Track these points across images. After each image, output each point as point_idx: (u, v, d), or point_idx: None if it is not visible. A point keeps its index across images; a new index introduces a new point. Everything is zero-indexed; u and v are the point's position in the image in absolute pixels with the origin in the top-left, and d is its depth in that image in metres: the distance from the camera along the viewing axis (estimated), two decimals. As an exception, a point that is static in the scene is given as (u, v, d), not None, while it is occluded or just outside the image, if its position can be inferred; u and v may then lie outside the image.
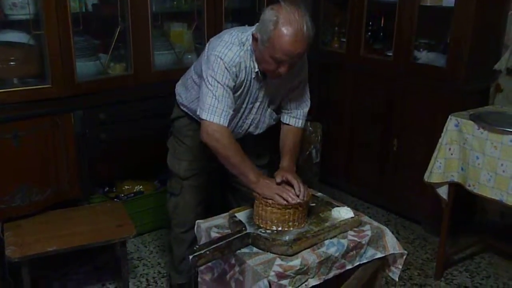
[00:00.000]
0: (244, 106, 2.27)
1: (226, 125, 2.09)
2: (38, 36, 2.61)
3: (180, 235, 2.55)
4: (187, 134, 2.48)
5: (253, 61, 2.13)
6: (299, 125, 2.39)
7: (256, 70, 2.14)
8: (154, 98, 3.01)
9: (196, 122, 2.31)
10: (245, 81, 2.17)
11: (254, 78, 2.18)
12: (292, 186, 2.05)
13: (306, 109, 2.41)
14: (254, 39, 2.06)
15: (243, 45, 2.12)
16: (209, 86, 2.08)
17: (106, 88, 2.89)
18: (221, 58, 2.08)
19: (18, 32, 2.63)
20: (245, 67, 2.13)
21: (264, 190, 2.02)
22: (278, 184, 2.06)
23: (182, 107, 2.48)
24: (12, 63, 2.66)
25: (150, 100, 3.01)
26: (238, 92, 2.18)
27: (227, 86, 2.09)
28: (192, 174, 2.48)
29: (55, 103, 2.66)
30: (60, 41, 2.61)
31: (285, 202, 1.97)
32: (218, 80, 2.07)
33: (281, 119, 2.40)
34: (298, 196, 2.00)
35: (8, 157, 2.52)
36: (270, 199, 1.98)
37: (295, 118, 2.38)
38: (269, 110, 2.37)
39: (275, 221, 1.99)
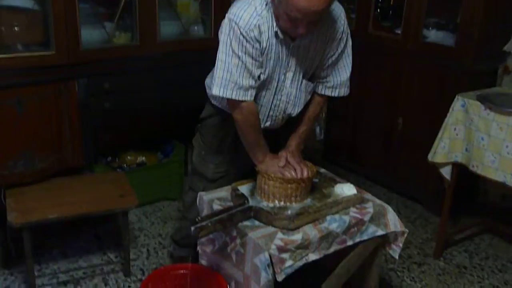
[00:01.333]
0: (276, 77, 2.05)
1: (249, 99, 1.96)
2: (42, 1, 2.58)
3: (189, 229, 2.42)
4: (217, 134, 2.31)
5: (274, 21, 1.91)
6: (336, 94, 2.19)
7: (275, 29, 1.91)
8: (159, 68, 2.99)
9: (227, 121, 2.17)
10: (269, 45, 1.93)
11: (278, 41, 1.94)
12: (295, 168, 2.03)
13: (345, 77, 2.17)
14: None
15: (263, 3, 1.90)
16: (222, 55, 1.92)
17: (110, 57, 2.86)
18: (235, 22, 1.87)
19: (23, -4, 2.60)
20: (268, 28, 1.90)
21: (268, 167, 2.02)
22: (282, 167, 2.03)
23: (213, 101, 2.27)
24: (16, 28, 2.62)
25: (155, 71, 2.99)
26: (266, 60, 1.97)
27: (245, 54, 1.89)
28: (220, 177, 2.34)
29: (59, 71, 2.63)
30: (65, 7, 2.58)
31: (289, 175, 1.96)
32: (233, 48, 1.89)
33: (316, 90, 2.19)
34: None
35: (11, 123, 2.51)
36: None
37: (331, 88, 2.17)
38: (304, 81, 2.12)
39: (278, 195, 1.99)
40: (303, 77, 2.11)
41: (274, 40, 1.94)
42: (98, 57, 2.80)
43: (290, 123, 2.23)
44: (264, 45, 1.93)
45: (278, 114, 2.17)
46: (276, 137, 2.24)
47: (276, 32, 1.92)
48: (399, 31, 3.46)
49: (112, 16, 2.93)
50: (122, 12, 2.92)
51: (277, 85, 2.08)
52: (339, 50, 2.10)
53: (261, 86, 2.04)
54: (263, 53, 1.95)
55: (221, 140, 2.31)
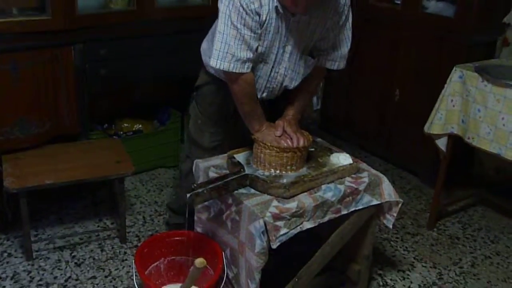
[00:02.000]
0: (274, 51, 2.03)
1: (247, 71, 1.95)
2: (38, -36, 2.54)
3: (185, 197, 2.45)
4: (212, 102, 2.29)
5: None
6: (336, 67, 2.19)
7: (276, 4, 1.89)
8: (157, 35, 2.97)
9: (223, 89, 2.17)
10: (269, 18, 1.92)
11: (278, 16, 1.93)
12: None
13: (345, 50, 2.16)
14: None
15: None
16: (221, 26, 1.90)
17: (107, 22, 2.82)
18: None
19: (18, -41, 2.56)
20: (269, 2, 1.89)
21: (264, 136, 2.02)
22: (278, 136, 2.04)
23: (209, 69, 2.24)
24: (11, -8, 2.59)
25: (152, 37, 2.96)
26: (265, 33, 1.95)
27: (244, 26, 1.88)
28: (216, 145, 2.34)
29: (55, 36, 2.60)
30: (62, -29, 2.54)
31: (285, 144, 1.97)
32: (232, 20, 1.87)
33: (316, 62, 2.17)
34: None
35: (6, 89, 2.50)
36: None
37: (331, 60, 2.17)
38: (304, 56, 2.11)
39: (273, 164, 1.99)
40: (302, 52, 2.09)
41: (274, 14, 1.92)
42: (95, 23, 2.77)
43: (288, 93, 2.22)
44: (264, 18, 1.91)
45: (276, 86, 2.15)
46: (273, 106, 2.24)
47: (276, 7, 1.90)
48: (398, 1, 3.43)
49: (109, -20, 2.89)
50: (120, -24, 2.88)
51: (275, 58, 2.06)
52: (340, 24, 2.08)
53: (259, 59, 2.03)
54: (262, 26, 1.93)
55: (217, 109, 2.30)
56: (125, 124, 3.26)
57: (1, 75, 2.47)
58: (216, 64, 1.93)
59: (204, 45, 2.28)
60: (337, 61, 2.18)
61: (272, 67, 2.08)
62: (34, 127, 2.61)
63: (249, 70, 1.96)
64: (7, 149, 2.57)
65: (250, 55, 1.93)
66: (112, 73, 2.87)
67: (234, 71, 1.93)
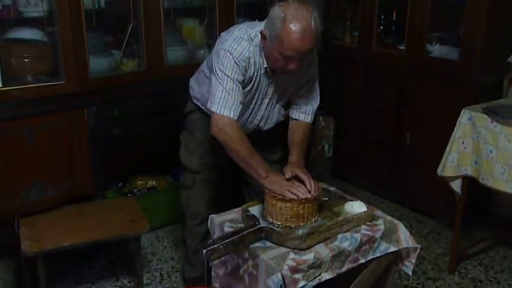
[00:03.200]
0: (254, 102, 2.29)
1: (236, 118, 2.11)
2: (51, 33, 2.63)
3: (193, 228, 2.58)
4: (199, 128, 2.50)
5: (262, 57, 2.15)
6: (308, 120, 2.40)
7: (265, 66, 2.15)
8: (166, 93, 3.03)
9: (208, 117, 2.31)
10: (254, 76, 2.18)
11: (263, 73, 2.20)
12: (302, 181, 2.04)
13: (316, 105, 2.41)
14: (263, 36, 2.07)
15: (252, 41, 2.14)
16: (219, 79, 2.11)
17: (119, 84, 2.91)
18: (230, 53, 2.10)
19: (32, 29, 2.65)
20: (254, 63, 2.15)
21: (273, 186, 2.02)
22: (288, 179, 2.05)
23: (195, 101, 2.50)
24: (26, 60, 2.68)
25: (162, 96, 3.03)
26: (248, 87, 2.20)
27: (237, 80, 2.11)
28: (203, 168, 2.50)
29: (69, 99, 2.68)
30: (73, 37, 2.63)
31: (294, 197, 1.97)
32: (227, 74, 2.10)
33: (290, 114, 2.41)
34: (309, 191, 1.99)
35: (23, 153, 2.55)
36: (279, 194, 1.98)
37: (304, 113, 2.39)
38: (277, 106, 2.38)
39: (287, 216, 1.98)
40: (277, 103, 2.37)
41: (258, 72, 2.18)
42: (107, 85, 2.85)
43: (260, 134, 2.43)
44: (250, 75, 2.17)
45: (251, 127, 2.39)
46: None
47: (266, 69, 2.16)
48: (402, 47, 3.49)
49: (120, 43, 2.98)
50: (129, 39, 2.97)
51: (253, 107, 2.32)
52: (311, 81, 2.35)
53: None
54: (249, 82, 2.18)
55: (204, 133, 2.45)
56: (139, 182, 3.29)
57: (17, 140, 2.53)
58: (218, 111, 2.10)
59: (192, 83, 2.54)
60: (309, 114, 2.40)
61: (250, 114, 2.34)
62: (50, 190, 2.65)
63: (236, 118, 2.13)
64: (24, 213, 2.60)
65: (242, 102, 2.15)
66: (126, 133, 2.93)
67: (232, 117, 2.10)
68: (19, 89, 2.56)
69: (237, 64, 2.10)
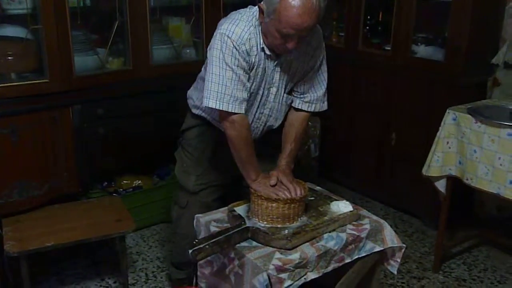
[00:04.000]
0: (261, 92, 2.10)
1: (243, 112, 1.97)
2: (36, 30, 2.61)
3: (181, 244, 2.41)
4: (197, 146, 2.34)
5: (262, 38, 1.98)
6: (312, 109, 2.22)
7: (262, 45, 1.97)
8: (152, 92, 3.02)
9: (209, 130, 2.22)
10: (257, 60, 2.00)
11: (266, 57, 2.01)
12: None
13: (321, 92, 2.22)
14: (260, 10, 1.92)
15: (252, 20, 1.97)
16: (216, 68, 1.93)
17: (104, 82, 2.88)
18: (228, 36, 1.92)
19: (15, 26, 2.63)
20: (257, 44, 1.96)
21: (260, 187, 2.01)
22: (273, 186, 2.01)
23: (194, 110, 2.33)
24: (9, 57, 2.65)
25: (148, 95, 3.01)
26: (253, 73, 2.02)
27: (238, 67, 1.93)
28: (201, 189, 2.34)
29: (53, 98, 2.65)
30: (58, 35, 2.61)
31: (276, 196, 1.95)
32: (226, 61, 1.92)
33: (293, 105, 2.22)
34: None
35: (6, 152, 2.52)
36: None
37: (308, 102, 2.21)
38: (285, 96, 2.19)
39: (273, 215, 1.98)
40: (284, 92, 2.18)
41: (261, 56, 2.00)
42: (92, 83, 2.83)
43: (268, 136, 2.28)
44: (253, 60, 1.99)
45: (260, 126, 2.22)
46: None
47: (263, 48, 1.98)
48: (388, 48, 3.51)
49: (105, 42, 2.96)
50: (115, 38, 2.95)
51: (260, 99, 2.13)
52: (317, 66, 2.17)
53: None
54: (252, 68, 2.00)
55: (202, 151, 2.34)
56: (125, 181, 3.27)
57: (0, 139, 2.49)
58: (215, 105, 1.94)
59: (191, 92, 2.37)
60: (314, 103, 2.23)
61: (258, 107, 2.16)
62: (34, 189, 2.63)
63: (244, 111, 1.99)
64: (7, 213, 2.57)
65: (245, 95, 1.98)
66: (110, 132, 2.90)
67: (233, 111, 1.95)
68: (2, 87, 2.53)
69: (236, 48, 1.91)
